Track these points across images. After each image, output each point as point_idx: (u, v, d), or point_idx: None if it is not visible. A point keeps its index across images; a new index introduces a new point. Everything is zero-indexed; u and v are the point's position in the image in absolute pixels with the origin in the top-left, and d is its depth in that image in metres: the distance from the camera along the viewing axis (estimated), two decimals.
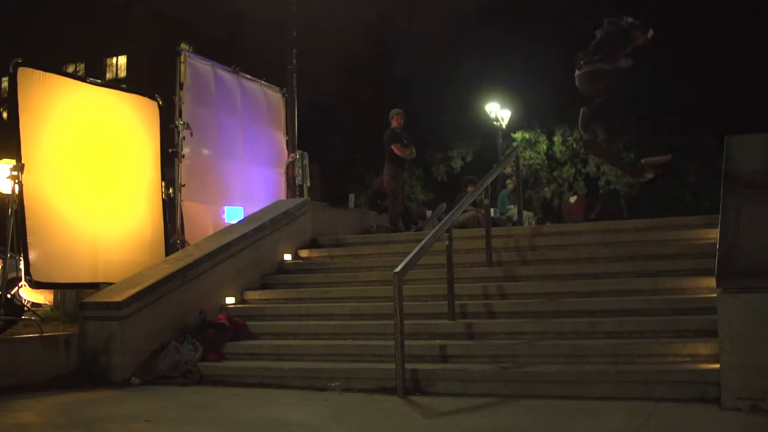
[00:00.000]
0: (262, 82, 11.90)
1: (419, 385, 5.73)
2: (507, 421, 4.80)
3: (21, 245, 7.47)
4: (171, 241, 9.30)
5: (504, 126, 25.79)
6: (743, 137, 6.85)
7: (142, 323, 6.80)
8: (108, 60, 41.50)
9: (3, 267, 7.55)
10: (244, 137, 11.25)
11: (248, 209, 10.13)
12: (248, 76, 11.58)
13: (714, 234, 5.80)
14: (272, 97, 12.12)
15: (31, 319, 7.28)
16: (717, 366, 4.90)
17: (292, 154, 11.98)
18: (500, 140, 25.78)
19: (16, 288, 7.71)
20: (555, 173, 27.29)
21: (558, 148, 26.97)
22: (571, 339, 6.03)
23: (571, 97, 25.86)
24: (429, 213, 13.91)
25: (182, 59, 10.07)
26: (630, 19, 5.32)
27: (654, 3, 24.49)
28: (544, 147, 27.27)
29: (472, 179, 13.58)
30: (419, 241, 6.65)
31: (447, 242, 6.68)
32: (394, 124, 10.71)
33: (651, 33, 5.04)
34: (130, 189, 8.96)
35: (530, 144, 27.16)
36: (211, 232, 9.24)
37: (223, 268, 7.95)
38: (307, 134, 14.03)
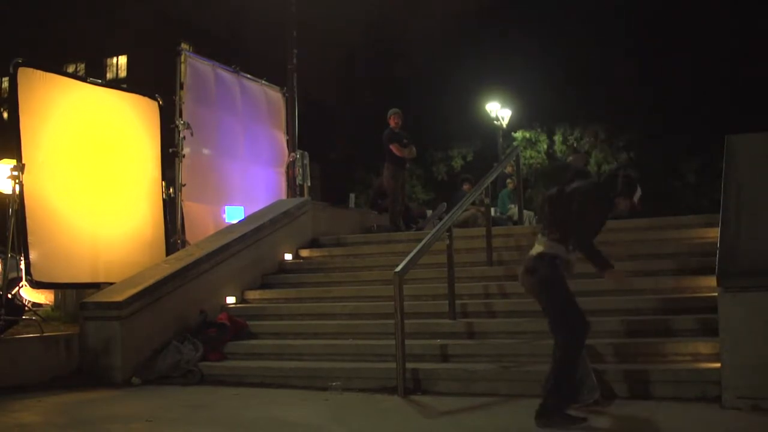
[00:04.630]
0: (263, 81, 11.89)
1: (420, 385, 5.74)
2: (508, 420, 4.80)
3: (21, 245, 7.48)
4: (171, 240, 9.30)
5: (504, 125, 25.82)
6: (744, 137, 6.85)
7: (143, 323, 6.80)
8: (108, 60, 41.50)
9: (4, 267, 7.55)
10: (245, 137, 11.25)
11: (249, 209, 10.13)
12: (248, 75, 11.57)
13: (714, 233, 5.80)
14: (272, 96, 12.11)
15: (31, 319, 7.28)
16: (718, 365, 4.90)
17: (293, 154, 11.97)
18: (500, 139, 25.80)
19: (17, 288, 7.71)
20: None
21: (558, 147, 26.99)
22: None
23: (571, 97, 25.81)
24: (429, 212, 13.90)
25: (182, 59, 10.06)
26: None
27: (655, 4, 24.54)
28: (545, 146, 27.29)
29: (469, 178, 13.59)
30: (420, 240, 6.65)
31: (447, 241, 6.68)
32: (392, 123, 10.70)
33: (639, 194, 4.82)
34: (130, 189, 8.97)
35: (531, 143, 27.17)
36: (211, 232, 9.23)
37: (224, 268, 7.95)
38: (307, 134, 14.02)
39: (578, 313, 4.63)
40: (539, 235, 4.85)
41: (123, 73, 40.83)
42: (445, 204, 13.06)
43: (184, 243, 9.33)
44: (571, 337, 4.56)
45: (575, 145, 26.79)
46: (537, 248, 4.80)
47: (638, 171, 25.45)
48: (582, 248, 4.69)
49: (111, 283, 7.55)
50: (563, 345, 4.58)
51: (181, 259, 7.76)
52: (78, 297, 8.05)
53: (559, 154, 27.09)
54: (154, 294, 6.97)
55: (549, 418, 4.41)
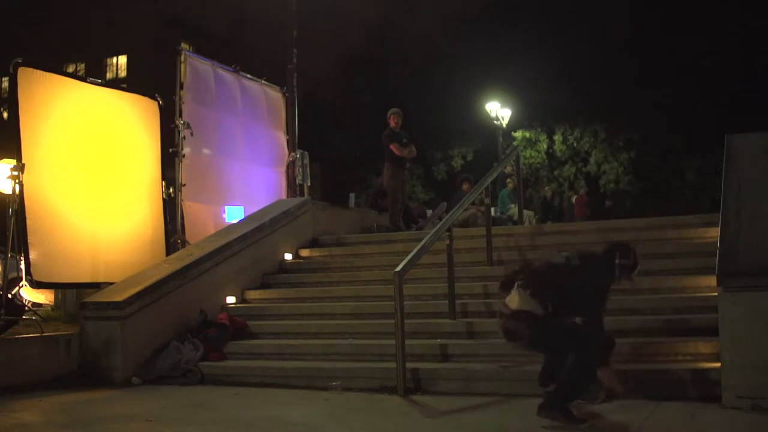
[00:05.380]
0: (263, 81, 11.89)
1: (420, 385, 5.74)
2: (508, 420, 4.80)
3: (22, 245, 7.48)
4: (171, 240, 9.31)
5: (504, 125, 25.82)
6: (744, 136, 6.85)
7: (143, 323, 6.79)
8: (108, 60, 41.57)
9: (4, 267, 7.56)
10: (245, 137, 11.25)
11: (249, 209, 10.13)
12: (248, 75, 11.58)
13: (714, 233, 5.80)
14: (272, 96, 12.12)
15: (32, 319, 7.29)
16: (718, 365, 4.89)
17: (293, 154, 11.97)
18: (500, 139, 25.80)
19: (17, 288, 7.71)
20: (555, 172, 27.32)
21: (558, 147, 27.00)
22: None
23: (571, 97, 25.75)
24: (429, 212, 13.92)
25: (182, 59, 10.05)
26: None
27: (657, 4, 24.54)
28: (545, 146, 27.30)
29: (468, 177, 13.61)
30: (420, 240, 6.65)
31: (447, 241, 6.68)
32: (391, 123, 10.71)
33: (637, 271, 4.84)
34: (130, 189, 8.97)
35: (531, 143, 27.17)
36: (211, 232, 9.24)
37: (224, 268, 7.95)
38: (307, 134, 14.02)
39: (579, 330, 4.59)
40: (518, 287, 4.69)
41: (123, 73, 40.91)
42: (445, 204, 13.07)
43: (184, 243, 9.34)
44: (584, 349, 4.49)
45: (575, 144, 26.80)
46: (513, 299, 4.68)
47: (638, 172, 25.53)
48: (599, 335, 4.58)
49: (111, 283, 7.54)
50: (580, 354, 4.48)
51: (181, 259, 7.76)
52: (78, 297, 8.06)
53: (558, 154, 27.10)
54: (154, 294, 6.96)
55: (552, 411, 4.40)
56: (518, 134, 27.20)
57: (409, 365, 5.69)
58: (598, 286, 4.66)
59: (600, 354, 4.57)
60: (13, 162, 7.58)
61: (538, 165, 27.23)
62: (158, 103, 9.47)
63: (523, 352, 5.85)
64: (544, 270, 4.74)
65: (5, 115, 32.25)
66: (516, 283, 4.76)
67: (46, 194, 7.86)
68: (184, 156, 9.71)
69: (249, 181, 11.26)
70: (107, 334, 6.64)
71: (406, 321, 5.72)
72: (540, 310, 4.56)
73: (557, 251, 4.90)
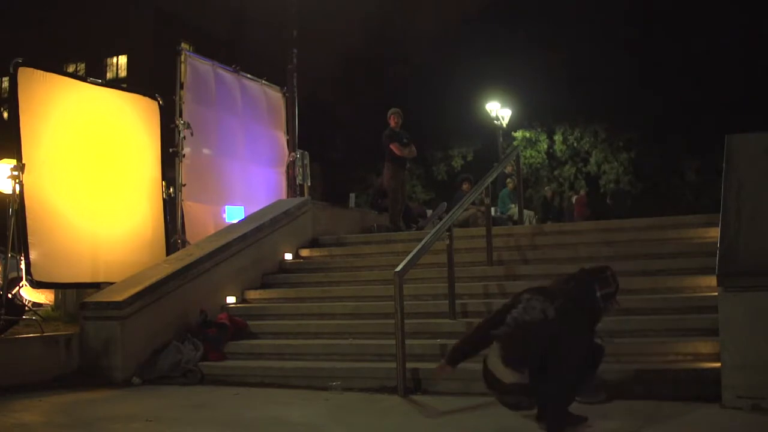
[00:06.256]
0: (263, 81, 11.90)
1: (420, 385, 5.74)
2: (508, 420, 4.79)
3: (22, 245, 7.49)
4: (171, 240, 9.31)
5: (504, 125, 25.82)
6: (744, 136, 6.85)
7: (143, 323, 6.79)
8: (108, 60, 41.58)
9: (4, 267, 7.56)
10: (245, 137, 11.25)
11: (249, 209, 10.13)
12: (249, 75, 11.58)
13: (714, 233, 5.80)
14: (273, 96, 12.12)
15: (32, 319, 7.29)
16: (718, 365, 4.89)
17: (293, 154, 11.98)
18: (501, 139, 25.80)
19: (17, 288, 7.71)
20: (555, 172, 27.32)
21: (558, 147, 27.01)
22: None
23: (571, 97, 25.73)
24: (429, 212, 13.92)
25: (182, 59, 10.06)
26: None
27: (657, 3, 24.54)
28: (545, 146, 27.31)
29: (468, 177, 13.62)
30: (420, 240, 6.65)
31: (447, 241, 6.68)
32: (391, 123, 10.71)
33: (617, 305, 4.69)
34: (130, 189, 8.98)
35: (531, 143, 27.18)
36: (211, 232, 9.24)
37: (224, 268, 7.95)
38: (307, 134, 14.02)
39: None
40: (499, 355, 4.42)
41: (123, 73, 40.93)
42: (445, 204, 13.07)
43: (184, 243, 9.34)
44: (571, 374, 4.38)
45: (575, 144, 26.80)
46: (497, 366, 4.44)
47: (637, 172, 25.50)
48: (562, 389, 4.29)
49: (111, 283, 7.54)
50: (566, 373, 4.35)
51: (182, 258, 7.76)
52: (78, 297, 8.06)
53: (559, 154, 27.10)
54: (154, 294, 6.97)
55: (550, 417, 4.39)
56: (518, 134, 27.20)
57: (409, 365, 5.69)
58: (582, 333, 4.44)
59: (562, 420, 4.37)
60: (13, 162, 7.59)
61: (539, 165, 27.23)
62: (158, 103, 9.47)
63: None
64: (521, 333, 4.41)
65: (5, 115, 32.27)
66: (494, 344, 4.49)
67: (46, 194, 7.86)
68: (184, 156, 9.71)
69: (249, 181, 11.26)
70: (107, 334, 6.64)
71: (406, 321, 5.72)
72: (528, 378, 4.37)
73: (530, 302, 4.46)
